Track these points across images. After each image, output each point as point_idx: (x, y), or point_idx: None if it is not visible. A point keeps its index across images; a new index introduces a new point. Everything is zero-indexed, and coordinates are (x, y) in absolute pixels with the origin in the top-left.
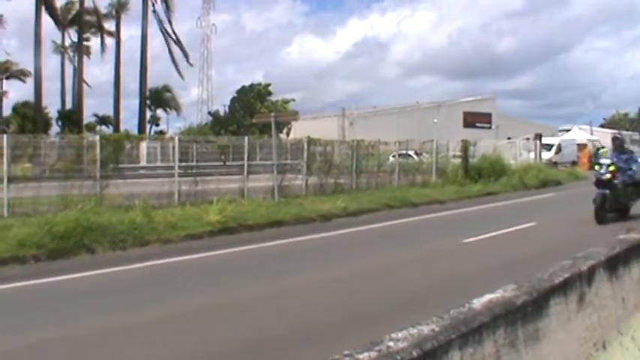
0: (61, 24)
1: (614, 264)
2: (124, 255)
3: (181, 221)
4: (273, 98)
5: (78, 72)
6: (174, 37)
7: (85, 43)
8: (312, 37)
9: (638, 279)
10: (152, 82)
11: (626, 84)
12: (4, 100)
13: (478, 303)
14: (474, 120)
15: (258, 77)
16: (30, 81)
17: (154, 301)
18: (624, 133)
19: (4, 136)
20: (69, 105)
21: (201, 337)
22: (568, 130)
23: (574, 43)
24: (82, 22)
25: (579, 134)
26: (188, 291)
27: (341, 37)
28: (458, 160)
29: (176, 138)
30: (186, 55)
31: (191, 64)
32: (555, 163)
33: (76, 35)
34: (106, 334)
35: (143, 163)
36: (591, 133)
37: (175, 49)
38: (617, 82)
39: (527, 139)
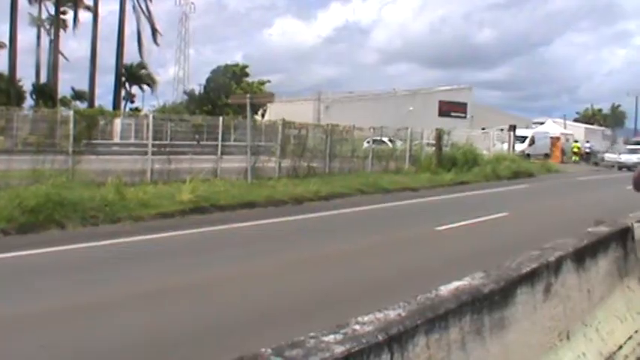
0: None
1: (581, 256)
2: (94, 231)
3: (153, 199)
4: (249, 79)
5: (54, 45)
6: (146, 13)
7: (62, 16)
8: (293, 20)
9: (604, 272)
10: (132, 59)
11: (602, 80)
12: None
13: (445, 290)
14: (450, 109)
15: (238, 58)
16: (4, 53)
17: (122, 278)
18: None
19: None
20: (44, 79)
21: (167, 317)
22: (542, 123)
23: (554, 37)
24: None
25: (553, 127)
26: (157, 269)
27: (322, 21)
28: (432, 149)
29: (150, 116)
30: (154, 33)
31: (157, 44)
32: (528, 155)
33: (53, 8)
34: (72, 310)
35: (117, 139)
36: (565, 127)
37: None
38: (593, 78)
39: (502, 130)
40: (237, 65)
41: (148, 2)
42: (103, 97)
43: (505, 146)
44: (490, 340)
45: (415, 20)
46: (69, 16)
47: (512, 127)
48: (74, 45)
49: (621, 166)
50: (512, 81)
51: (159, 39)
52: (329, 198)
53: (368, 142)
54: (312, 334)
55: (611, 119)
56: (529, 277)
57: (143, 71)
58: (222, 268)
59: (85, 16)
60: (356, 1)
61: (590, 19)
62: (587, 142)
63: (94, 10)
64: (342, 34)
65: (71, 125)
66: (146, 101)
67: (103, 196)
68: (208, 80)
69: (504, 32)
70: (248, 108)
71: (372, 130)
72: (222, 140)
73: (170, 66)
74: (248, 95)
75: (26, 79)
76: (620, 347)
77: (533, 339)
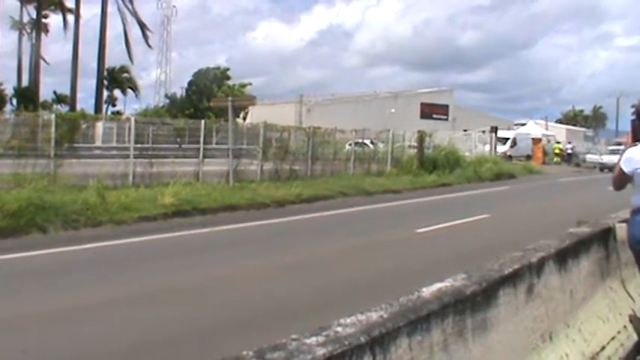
0: None
1: (563, 257)
2: (75, 235)
3: (135, 203)
4: (230, 82)
5: (35, 49)
6: (135, 17)
7: (44, 20)
8: (277, 23)
9: (586, 272)
10: (116, 63)
11: (585, 81)
12: None
13: (427, 292)
14: (431, 111)
15: (221, 61)
16: None
17: (103, 282)
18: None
19: None
20: (26, 82)
21: (148, 321)
22: (523, 125)
23: (537, 39)
24: None
25: (534, 129)
26: (139, 273)
27: (306, 24)
28: (414, 151)
29: (132, 119)
30: (146, 36)
31: (150, 46)
32: (510, 157)
33: (34, 12)
34: (54, 314)
35: (98, 143)
36: (546, 128)
37: (134, 30)
38: (576, 80)
39: (483, 131)
40: (218, 68)
41: (134, 4)
42: (85, 101)
43: (487, 148)
44: (472, 342)
45: (398, 23)
46: (50, 20)
47: (494, 129)
48: (57, 48)
49: (603, 167)
50: (495, 83)
51: (142, 41)
52: (311, 201)
53: (350, 144)
54: (294, 336)
55: (592, 120)
56: (511, 278)
57: (125, 75)
58: (205, 271)
59: (67, 19)
60: (339, 4)
61: (573, 22)
62: (569, 143)
63: (76, 14)
64: (326, 37)
65: (53, 129)
66: (128, 105)
67: (84, 200)
68: (190, 83)
69: (487, 35)
70: (230, 111)
71: (353, 132)
72: (204, 143)
73: (153, 69)
74: (230, 98)
75: (8, 83)
76: (603, 348)
77: (516, 340)
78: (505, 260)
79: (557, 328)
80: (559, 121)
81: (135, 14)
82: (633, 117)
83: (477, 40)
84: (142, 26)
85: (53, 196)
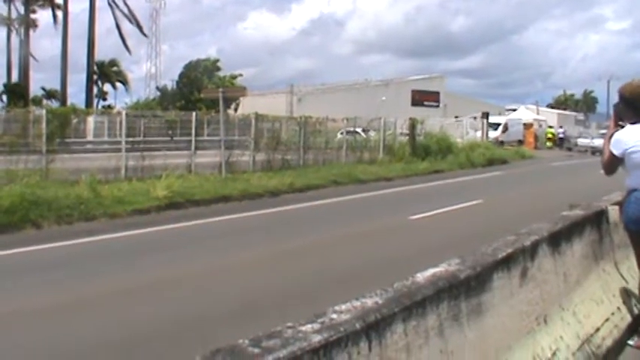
0: None
1: (556, 240)
2: (69, 230)
3: (128, 196)
4: (221, 74)
5: (24, 45)
6: (126, 9)
7: (32, 15)
8: (268, 14)
9: (580, 255)
10: (105, 57)
11: (576, 65)
12: None
13: (422, 277)
14: (422, 98)
15: (212, 52)
16: None
17: (98, 276)
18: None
19: None
20: (15, 79)
21: (145, 313)
22: (515, 110)
23: (528, 23)
24: None
25: (526, 114)
26: (134, 266)
27: (297, 13)
28: (405, 138)
29: (123, 113)
30: (140, 27)
31: (146, 36)
32: (502, 142)
33: (22, 8)
34: (48, 309)
35: (90, 137)
36: (537, 113)
37: (125, 23)
38: (567, 64)
39: (475, 117)
40: (209, 60)
41: None
42: (76, 96)
43: (478, 134)
44: (468, 326)
45: (390, 10)
46: (39, 15)
47: (486, 115)
48: (46, 44)
49: (594, 151)
50: (486, 69)
51: (132, 35)
52: (304, 190)
53: (341, 133)
54: (289, 324)
55: (583, 104)
56: (505, 262)
57: (115, 68)
58: (200, 262)
59: (56, 14)
60: None
61: (564, 6)
62: (561, 127)
63: (64, 9)
64: (317, 26)
65: (44, 124)
66: (119, 98)
67: (77, 194)
68: (181, 75)
69: (478, 20)
70: (221, 102)
71: (345, 121)
72: (196, 135)
73: (143, 62)
74: (220, 89)
75: None
76: (598, 330)
77: (511, 324)
78: (499, 244)
79: (551, 311)
80: (550, 106)
81: (120, 8)
82: (617, 101)
83: (468, 27)
84: (133, 18)
85: (46, 192)
